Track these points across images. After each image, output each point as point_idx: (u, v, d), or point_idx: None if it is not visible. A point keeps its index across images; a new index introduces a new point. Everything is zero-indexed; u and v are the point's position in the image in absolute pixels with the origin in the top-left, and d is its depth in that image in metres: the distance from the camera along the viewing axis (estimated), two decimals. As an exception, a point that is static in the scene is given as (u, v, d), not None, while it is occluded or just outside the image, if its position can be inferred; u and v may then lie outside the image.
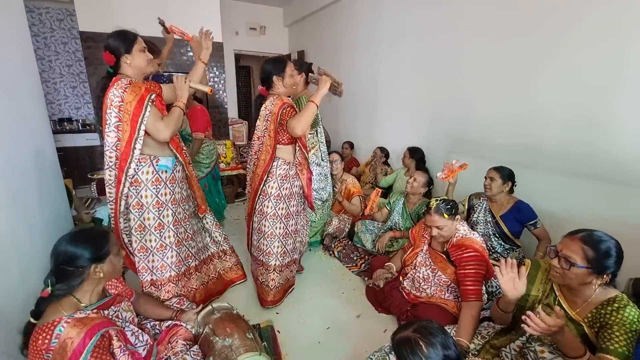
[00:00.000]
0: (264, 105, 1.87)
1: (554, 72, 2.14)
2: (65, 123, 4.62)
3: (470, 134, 2.81)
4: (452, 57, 2.89)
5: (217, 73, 4.73)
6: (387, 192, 3.33)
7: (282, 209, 1.93)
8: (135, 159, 1.58)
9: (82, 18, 3.75)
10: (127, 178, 1.59)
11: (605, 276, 1.12)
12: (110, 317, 1.23)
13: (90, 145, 4.52)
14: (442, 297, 1.74)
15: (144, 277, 1.72)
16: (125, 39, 1.58)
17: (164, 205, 1.70)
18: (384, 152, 3.57)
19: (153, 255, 1.71)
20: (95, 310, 1.15)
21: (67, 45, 4.60)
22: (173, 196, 1.73)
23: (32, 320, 1.08)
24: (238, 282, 2.26)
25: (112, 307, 1.26)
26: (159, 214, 1.69)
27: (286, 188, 1.91)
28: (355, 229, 2.77)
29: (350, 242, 2.81)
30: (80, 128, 4.69)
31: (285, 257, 2.01)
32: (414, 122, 3.43)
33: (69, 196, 2.48)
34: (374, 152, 3.63)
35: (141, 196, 1.63)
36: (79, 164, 4.45)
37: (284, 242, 1.98)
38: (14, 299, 1.45)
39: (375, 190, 2.63)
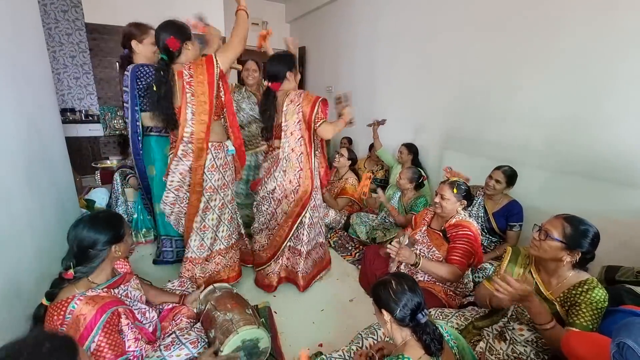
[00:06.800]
0: (289, 99, 1.91)
1: (542, 74, 2.24)
2: (69, 113, 4.66)
3: (463, 132, 2.90)
4: (447, 57, 2.98)
5: (219, 67, 4.80)
6: (384, 185, 3.43)
7: (319, 199, 2.16)
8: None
9: (88, 10, 3.81)
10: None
11: (575, 254, 1.22)
12: (120, 295, 1.28)
13: (93, 135, 4.57)
14: (432, 279, 1.84)
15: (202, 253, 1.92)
16: (184, 28, 1.73)
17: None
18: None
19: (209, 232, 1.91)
20: (105, 290, 1.20)
21: (71, 36, 4.64)
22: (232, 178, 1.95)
23: (44, 302, 1.12)
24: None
25: (121, 285, 1.31)
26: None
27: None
28: (351, 221, 2.87)
29: (345, 233, 2.91)
30: (83, 118, 4.72)
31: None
32: (410, 119, 3.52)
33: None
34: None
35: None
36: (82, 154, 4.52)
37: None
38: (30, 274, 1.54)
39: (365, 175, 2.75)
